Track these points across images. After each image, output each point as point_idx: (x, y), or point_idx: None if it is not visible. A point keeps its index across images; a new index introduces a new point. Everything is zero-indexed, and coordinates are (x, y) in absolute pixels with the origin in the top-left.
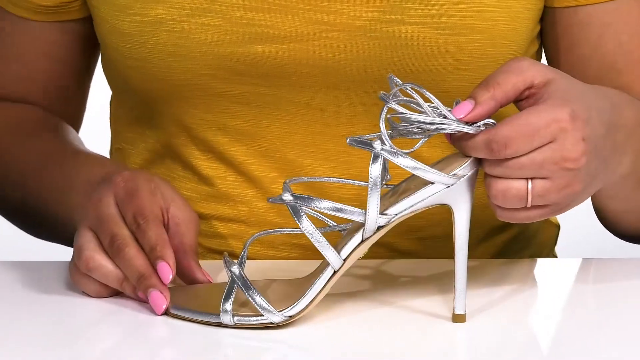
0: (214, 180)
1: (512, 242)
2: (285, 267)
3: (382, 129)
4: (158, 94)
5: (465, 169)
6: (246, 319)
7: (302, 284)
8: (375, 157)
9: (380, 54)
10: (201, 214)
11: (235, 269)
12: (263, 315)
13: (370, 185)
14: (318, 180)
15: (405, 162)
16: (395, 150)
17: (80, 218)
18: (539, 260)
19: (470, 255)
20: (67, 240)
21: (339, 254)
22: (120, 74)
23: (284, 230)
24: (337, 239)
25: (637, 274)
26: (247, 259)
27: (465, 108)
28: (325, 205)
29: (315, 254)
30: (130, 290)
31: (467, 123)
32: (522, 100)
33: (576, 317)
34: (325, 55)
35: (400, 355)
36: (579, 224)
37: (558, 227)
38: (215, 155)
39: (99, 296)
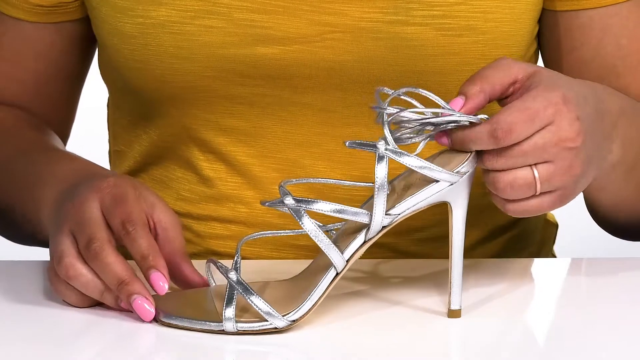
0: (214, 181)
1: (510, 242)
2: (285, 267)
3: (385, 131)
4: (160, 95)
5: (467, 165)
6: (249, 325)
7: (301, 285)
8: (381, 158)
9: (384, 55)
10: (200, 215)
11: (233, 275)
12: (266, 321)
13: (376, 187)
14: (313, 181)
15: (412, 162)
16: (400, 150)
17: (58, 219)
18: (537, 260)
19: (470, 256)
20: (31, 239)
21: (342, 255)
22: (120, 75)
23: (275, 233)
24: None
25: (635, 273)
26: (246, 259)
27: (457, 103)
28: (327, 207)
29: (314, 254)
30: (111, 300)
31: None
32: (507, 97)
33: (574, 316)
34: (329, 57)
35: (400, 355)
36: (577, 223)
37: (556, 226)
38: (216, 156)
39: (79, 305)
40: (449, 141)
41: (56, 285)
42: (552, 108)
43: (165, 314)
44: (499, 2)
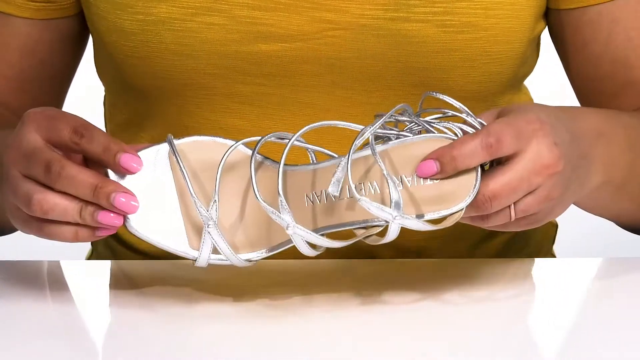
0: None
1: (510, 242)
2: (285, 266)
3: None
4: (160, 93)
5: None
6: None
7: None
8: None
9: (385, 51)
10: None
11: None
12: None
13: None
14: (326, 124)
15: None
16: (406, 216)
17: (1, 172)
18: (537, 260)
19: (470, 256)
20: None
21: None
22: (119, 72)
23: (268, 137)
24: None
25: (635, 273)
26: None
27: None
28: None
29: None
30: (90, 216)
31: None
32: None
33: (574, 316)
34: (330, 54)
35: (399, 355)
36: (577, 223)
37: (556, 226)
38: None
39: (76, 240)
40: (437, 166)
41: (42, 229)
42: (533, 125)
43: (135, 223)
44: None
